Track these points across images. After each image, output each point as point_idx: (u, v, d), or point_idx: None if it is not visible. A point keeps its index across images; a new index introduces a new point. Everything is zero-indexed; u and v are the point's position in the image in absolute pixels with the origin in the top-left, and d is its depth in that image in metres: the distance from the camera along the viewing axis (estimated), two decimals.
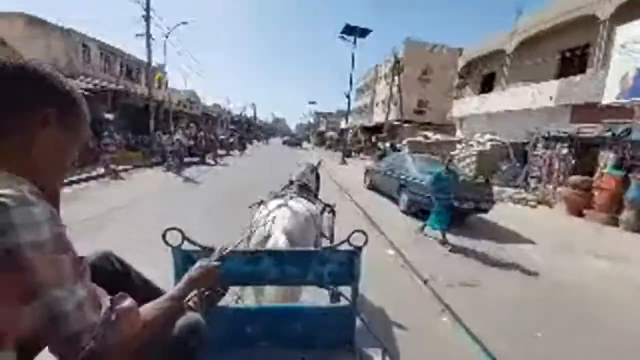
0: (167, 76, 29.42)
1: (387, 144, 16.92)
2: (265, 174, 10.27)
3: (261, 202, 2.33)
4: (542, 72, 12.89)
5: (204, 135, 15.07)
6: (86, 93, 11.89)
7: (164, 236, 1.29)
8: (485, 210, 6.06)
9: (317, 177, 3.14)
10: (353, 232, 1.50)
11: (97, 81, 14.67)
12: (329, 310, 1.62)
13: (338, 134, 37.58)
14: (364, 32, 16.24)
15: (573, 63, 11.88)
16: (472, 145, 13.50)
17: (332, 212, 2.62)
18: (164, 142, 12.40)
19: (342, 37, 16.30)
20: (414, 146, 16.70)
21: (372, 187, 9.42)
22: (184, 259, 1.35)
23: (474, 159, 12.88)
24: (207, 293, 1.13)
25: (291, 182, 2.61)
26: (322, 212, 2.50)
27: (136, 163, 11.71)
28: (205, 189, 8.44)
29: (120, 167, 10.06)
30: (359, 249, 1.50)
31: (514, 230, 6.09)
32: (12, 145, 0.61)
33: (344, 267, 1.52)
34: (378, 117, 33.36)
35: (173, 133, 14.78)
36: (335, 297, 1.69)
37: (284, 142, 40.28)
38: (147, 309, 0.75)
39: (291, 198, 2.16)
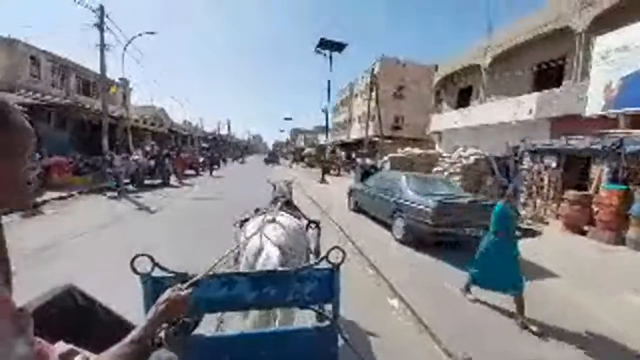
0: (131, 92, 27.56)
1: (367, 161, 16.19)
2: (235, 197, 8.97)
3: (246, 220, 2.29)
4: (519, 85, 12.86)
5: (167, 154, 13.49)
6: (22, 109, 10.14)
7: (132, 264, 1.21)
8: None
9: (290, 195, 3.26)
10: (331, 249, 1.46)
11: (39, 95, 12.83)
12: (309, 330, 1.50)
13: (316, 151, 36.90)
14: (339, 47, 15.81)
15: (549, 76, 11.89)
16: (455, 161, 13.03)
17: (318, 227, 2.56)
18: (117, 163, 10.76)
19: (318, 51, 15.76)
20: (396, 162, 16.13)
21: (358, 209, 8.39)
22: (154, 287, 1.25)
23: (459, 174, 12.37)
24: (179, 322, 1.09)
25: (275, 199, 2.68)
26: (307, 228, 2.49)
27: (82, 189, 9.95)
28: (158, 219, 6.97)
29: (56, 195, 8.33)
30: (338, 265, 1.48)
31: (529, 259, 5.22)
32: None
33: (323, 284, 1.48)
34: (355, 133, 33.18)
35: (132, 153, 13.13)
36: (319, 317, 1.60)
37: (265, 160, 38.74)
38: (105, 358, 0.71)
39: (278, 214, 2.18)
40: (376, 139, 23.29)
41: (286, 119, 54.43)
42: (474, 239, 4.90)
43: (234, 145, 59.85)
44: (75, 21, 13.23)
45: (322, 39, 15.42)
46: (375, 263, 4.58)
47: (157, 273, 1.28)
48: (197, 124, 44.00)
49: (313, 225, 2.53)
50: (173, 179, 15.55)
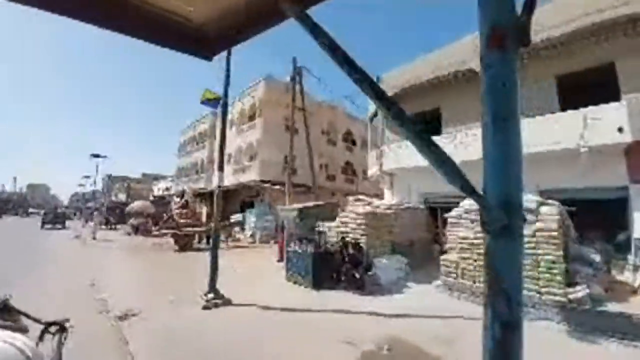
0: None
1: (322, 224, 7.36)
2: None
3: None
4: (538, 100, 8.71)
5: None
6: None
7: None
8: None
9: None
10: None
11: None
12: None
13: (152, 203, 23.22)
14: None
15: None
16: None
17: (62, 329, 1.62)
18: None
19: None
20: (373, 229, 8.12)
21: None
22: None
23: (538, 247, 5.89)
24: None
25: None
26: (41, 338, 1.56)
27: None
28: None
29: None
30: None
31: None
32: None
33: None
34: (225, 178, 22.84)
35: None
36: None
37: (43, 221, 23.39)
38: None
39: None
40: (267, 185, 14.61)
41: (95, 155, 31.61)
42: None
43: None
44: None
45: None
46: None
47: None
48: None
49: (53, 330, 1.61)
50: None
